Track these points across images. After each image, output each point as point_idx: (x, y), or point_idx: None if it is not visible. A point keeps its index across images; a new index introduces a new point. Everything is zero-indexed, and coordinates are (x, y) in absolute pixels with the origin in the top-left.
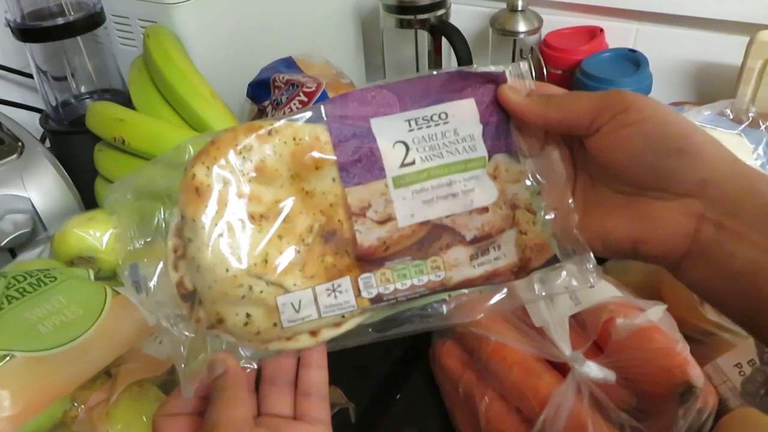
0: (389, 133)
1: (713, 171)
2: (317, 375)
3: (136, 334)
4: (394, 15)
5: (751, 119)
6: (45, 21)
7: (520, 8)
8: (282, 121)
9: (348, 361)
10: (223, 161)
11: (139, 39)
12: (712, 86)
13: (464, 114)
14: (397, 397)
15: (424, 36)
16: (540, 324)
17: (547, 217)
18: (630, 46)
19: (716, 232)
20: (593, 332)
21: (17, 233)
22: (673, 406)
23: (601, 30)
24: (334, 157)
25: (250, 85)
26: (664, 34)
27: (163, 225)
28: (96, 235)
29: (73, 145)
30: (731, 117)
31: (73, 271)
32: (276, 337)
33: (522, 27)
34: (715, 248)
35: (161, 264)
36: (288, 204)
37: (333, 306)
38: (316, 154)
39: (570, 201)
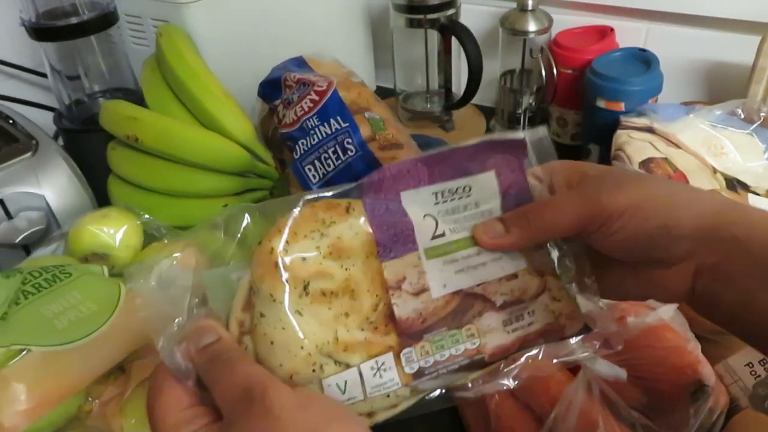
0: (418, 206)
1: (699, 237)
2: None
3: (149, 330)
4: (404, 14)
5: (762, 119)
6: (59, 20)
7: (530, 8)
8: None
9: None
10: (302, 236)
11: (151, 38)
12: (723, 86)
13: (485, 187)
14: None
15: (433, 35)
16: None
17: (572, 285)
18: (640, 46)
19: (709, 282)
20: None
21: (32, 230)
22: (684, 404)
23: (612, 29)
24: (372, 236)
25: (260, 84)
26: (674, 34)
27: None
28: (110, 232)
29: (86, 144)
30: (742, 116)
31: (88, 268)
32: None
33: (532, 26)
34: (708, 295)
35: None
36: (357, 282)
37: (378, 386)
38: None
39: (588, 271)
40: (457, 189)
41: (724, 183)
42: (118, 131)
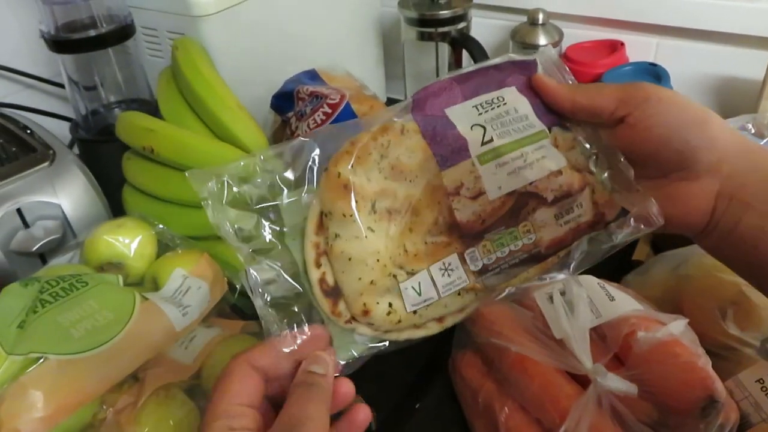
0: (464, 119)
1: (726, 151)
2: None
3: (163, 339)
4: (416, 28)
5: None
6: (78, 33)
7: (540, 21)
8: (409, 121)
9: (368, 371)
10: (364, 159)
11: (166, 50)
12: (733, 100)
13: (514, 98)
14: (417, 406)
15: (444, 48)
16: (560, 336)
17: (605, 175)
18: (651, 60)
19: (728, 204)
20: (614, 345)
21: (48, 239)
22: (695, 420)
23: (622, 43)
24: (429, 148)
25: (273, 96)
26: (684, 48)
27: (266, 228)
28: (125, 241)
29: (101, 154)
30: (753, 131)
31: (104, 277)
32: (410, 325)
33: (542, 40)
34: (726, 217)
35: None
36: (418, 198)
37: (449, 284)
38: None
39: (622, 158)
40: (492, 100)
41: None
42: (134, 142)
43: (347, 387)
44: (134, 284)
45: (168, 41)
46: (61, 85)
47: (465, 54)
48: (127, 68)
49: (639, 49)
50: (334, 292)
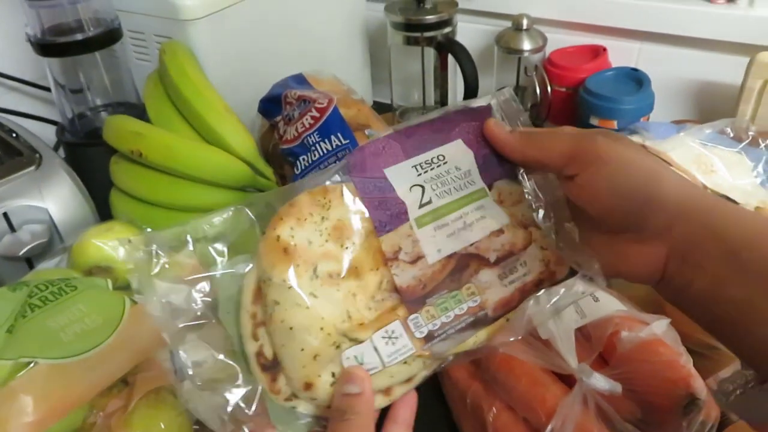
0: (403, 179)
1: (677, 211)
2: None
3: (153, 343)
4: (402, 32)
5: (751, 138)
6: (64, 36)
7: (525, 27)
8: (349, 181)
9: None
10: (305, 221)
11: (154, 54)
12: (713, 105)
13: (457, 153)
14: None
15: (430, 53)
16: (546, 336)
17: (552, 232)
18: (633, 65)
19: (680, 264)
20: (598, 345)
21: (35, 243)
22: (677, 417)
23: (605, 49)
24: (367, 212)
25: (261, 100)
26: (666, 54)
27: (198, 301)
28: (113, 245)
29: (88, 157)
30: (731, 135)
31: (93, 281)
32: None
33: (527, 45)
34: (678, 277)
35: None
36: (361, 261)
37: (394, 353)
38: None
39: (568, 214)
40: (432, 159)
41: None
42: (122, 146)
43: (409, 408)
44: (123, 288)
45: (155, 45)
46: (47, 89)
47: (451, 58)
48: (114, 72)
49: (621, 54)
50: (273, 366)
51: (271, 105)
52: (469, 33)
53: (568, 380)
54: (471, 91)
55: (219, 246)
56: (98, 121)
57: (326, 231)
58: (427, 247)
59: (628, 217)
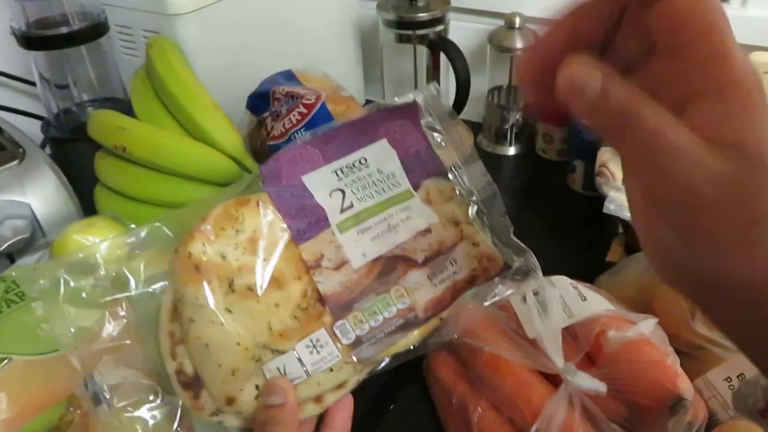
0: (322, 186)
1: None
2: None
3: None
4: (394, 30)
5: None
6: (49, 30)
7: (517, 25)
8: (263, 192)
9: None
10: (218, 236)
11: (141, 49)
12: None
13: (381, 154)
14: (391, 407)
15: (422, 51)
16: (533, 336)
17: (486, 227)
18: None
19: None
20: (585, 344)
21: (16, 239)
22: (664, 418)
23: None
24: (284, 224)
25: (249, 96)
26: None
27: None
28: (95, 241)
29: (73, 153)
30: None
31: None
32: None
33: (519, 44)
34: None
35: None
36: (282, 271)
37: (319, 362)
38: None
39: (502, 208)
40: (354, 163)
41: None
42: (107, 141)
43: (344, 413)
44: None
45: (143, 40)
46: (32, 83)
47: (443, 56)
48: (101, 67)
49: None
50: (195, 384)
51: (260, 101)
52: (462, 31)
53: (554, 380)
54: (463, 90)
55: (135, 265)
56: (84, 116)
57: (242, 244)
58: (351, 252)
59: None
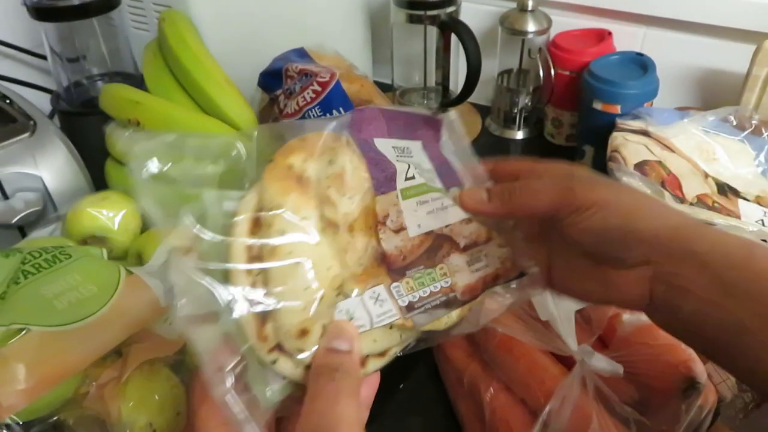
0: (388, 153)
1: (655, 243)
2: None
3: (148, 314)
4: (405, 10)
5: (754, 126)
6: (61, 1)
7: (529, 8)
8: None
9: None
10: (317, 157)
11: (152, 23)
12: (716, 92)
13: (418, 153)
14: (401, 386)
15: (433, 32)
16: (546, 318)
17: (503, 233)
18: (637, 50)
19: (666, 290)
20: (598, 327)
21: (28, 211)
22: (676, 401)
23: (610, 33)
24: (365, 172)
25: (261, 74)
26: (671, 39)
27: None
28: (109, 215)
29: (83, 126)
30: (734, 123)
31: (88, 250)
32: None
33: (531, 27)
34: (666, 302)
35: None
36: (355, 218)
37: (382, 315)
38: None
39: (511, 224)
40: (404, 148)
41: (715, 188)
42: (119, 114)
43: (370, 389)
44: (118, 258)
45: (154, 14)
46: (43, 56)
47: (453, 38)
48: (112, 40)
49: (626, 38)
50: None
51: (272, 79)
52: (473, 13)
53: (566, 362)
54: (473, 72)
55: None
56: (94, 90)
57: (332, 176)
58: (409, 220)
59: (611, 250)
